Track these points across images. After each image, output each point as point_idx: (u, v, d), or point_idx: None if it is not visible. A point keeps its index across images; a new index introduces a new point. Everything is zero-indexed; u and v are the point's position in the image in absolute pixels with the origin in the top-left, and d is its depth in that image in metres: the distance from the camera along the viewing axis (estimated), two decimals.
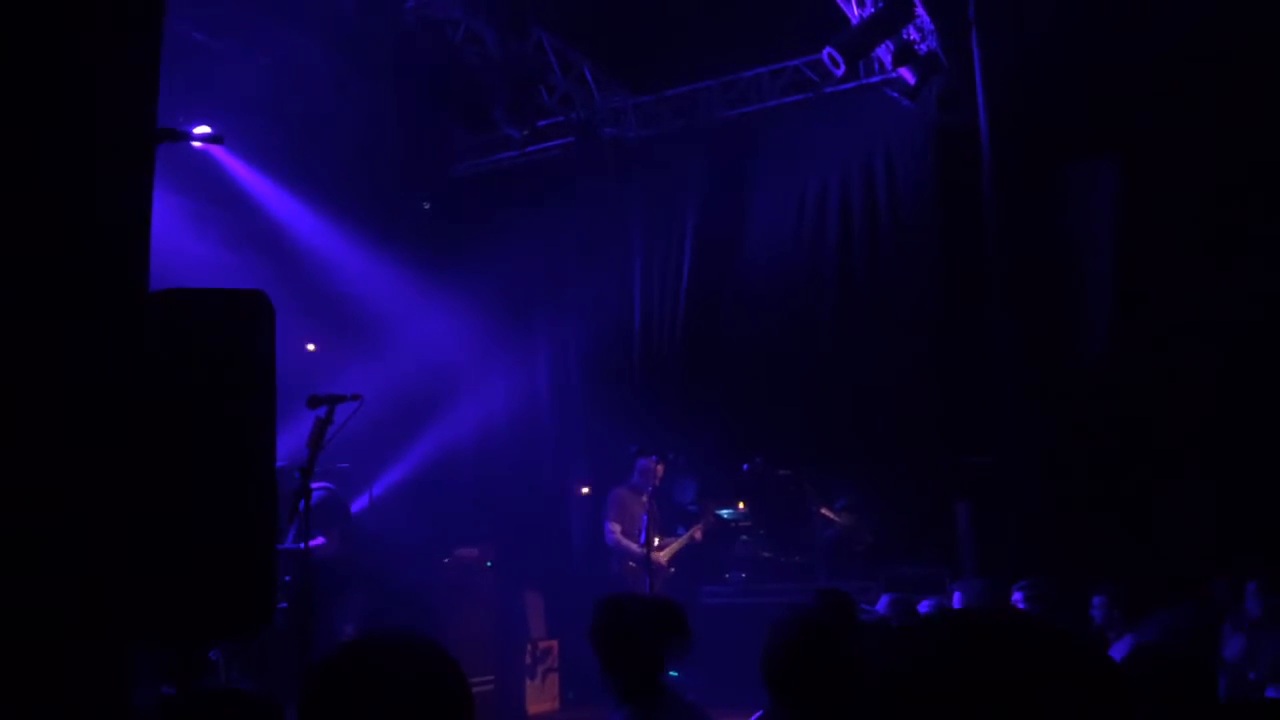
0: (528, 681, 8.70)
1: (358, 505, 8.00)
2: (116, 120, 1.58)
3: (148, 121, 1.70)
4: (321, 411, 5.49)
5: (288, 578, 6.54)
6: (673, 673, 8.86)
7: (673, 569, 8.73)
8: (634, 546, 8.29)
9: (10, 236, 1.49)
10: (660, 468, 8.42)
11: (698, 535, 8.78)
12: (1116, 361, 7.52)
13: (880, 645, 3.92)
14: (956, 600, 6.15)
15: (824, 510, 8.62)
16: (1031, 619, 1.10)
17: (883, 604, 5.91)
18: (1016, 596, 5.59)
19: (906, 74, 8.28)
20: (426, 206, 10.80)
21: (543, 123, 9.74)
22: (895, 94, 8.73)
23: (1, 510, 1.52)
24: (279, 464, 6.03)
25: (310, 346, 9.61)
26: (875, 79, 8.92)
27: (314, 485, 7.42)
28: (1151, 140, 7.43)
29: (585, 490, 9.95)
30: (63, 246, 1.51)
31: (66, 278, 1.51)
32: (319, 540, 7.28)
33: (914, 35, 8.24)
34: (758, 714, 3.12)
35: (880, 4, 7.84)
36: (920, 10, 7.97)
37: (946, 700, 0.99)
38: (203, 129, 7.49)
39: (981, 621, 1.07)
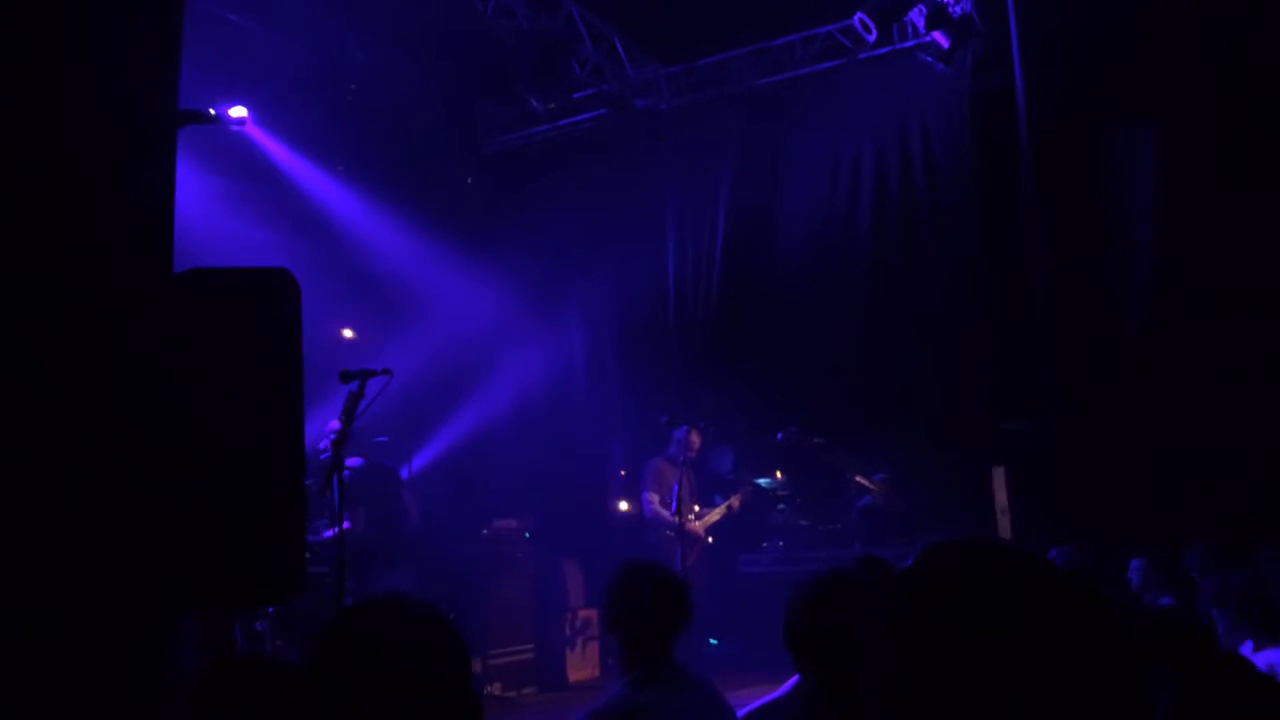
0: (567, 650, 8.81)
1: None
2: (135, 105, 1.62)
3: (168, 105, 1.74)
4: (353, 386, 5.59)
5: None
6: (711, 640, 8.88)
7: (710, 538, 8.78)
8: (670, 516, 8.35)
9: (30, 219, 1.54)
10: (697, 437, 8.44)
11: (735, 505, 8.82)
12: (1158, 328, 7.42)
13: None
14: None
15: (859, 478, 8.62)
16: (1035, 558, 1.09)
17: None
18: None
19: (940, 38, 8.17)
20: (470, 181, 10.80)
21: (576, 95, 9.73)
22: (930, 59, 8.62)
23: (22, 491, 1.57)
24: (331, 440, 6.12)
25: (348, 333, 9.43)
26: (909, 44, 8.80)
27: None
28: (1192, 106, 7.28)
29: (623, 472, 9.99)
30: (82, 229, 1.55)
31: (86, 261, 1.56)
32: (346, 524, 7.44)
33: None
34: (794, 679, 3.15)
35: None
36: None
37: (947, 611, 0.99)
38: (238, 110, 7.56)
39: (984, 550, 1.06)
